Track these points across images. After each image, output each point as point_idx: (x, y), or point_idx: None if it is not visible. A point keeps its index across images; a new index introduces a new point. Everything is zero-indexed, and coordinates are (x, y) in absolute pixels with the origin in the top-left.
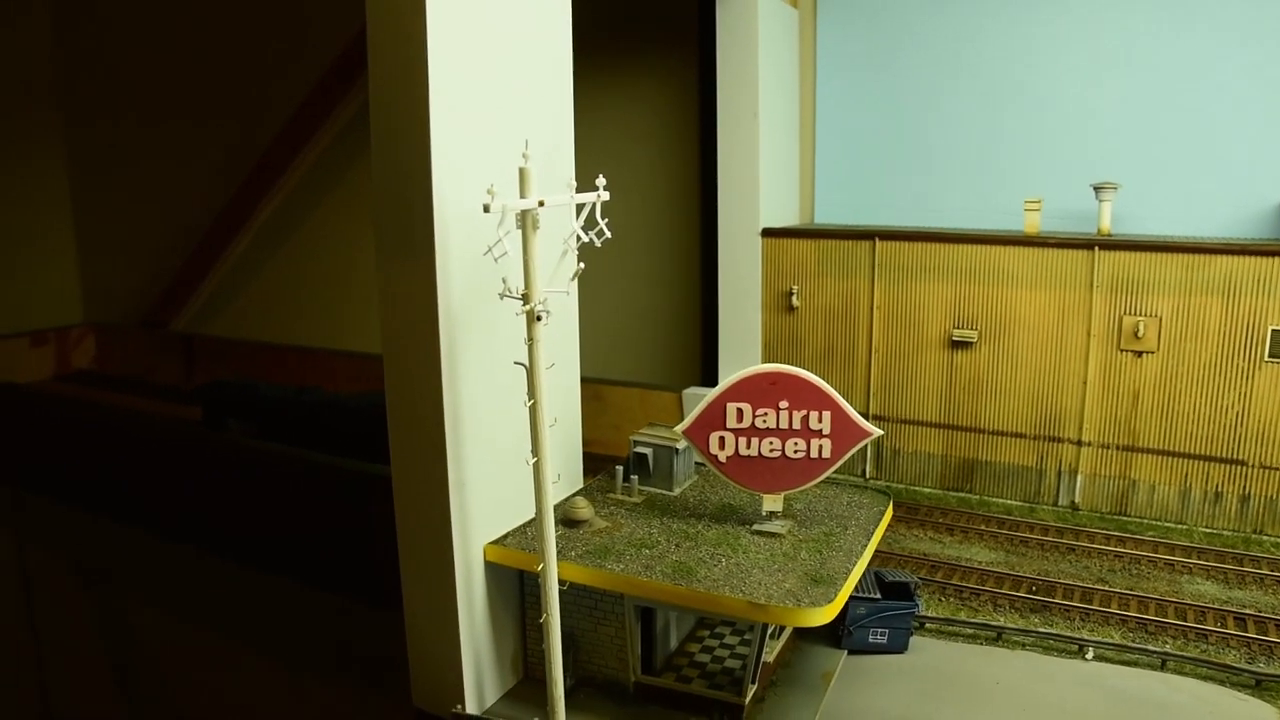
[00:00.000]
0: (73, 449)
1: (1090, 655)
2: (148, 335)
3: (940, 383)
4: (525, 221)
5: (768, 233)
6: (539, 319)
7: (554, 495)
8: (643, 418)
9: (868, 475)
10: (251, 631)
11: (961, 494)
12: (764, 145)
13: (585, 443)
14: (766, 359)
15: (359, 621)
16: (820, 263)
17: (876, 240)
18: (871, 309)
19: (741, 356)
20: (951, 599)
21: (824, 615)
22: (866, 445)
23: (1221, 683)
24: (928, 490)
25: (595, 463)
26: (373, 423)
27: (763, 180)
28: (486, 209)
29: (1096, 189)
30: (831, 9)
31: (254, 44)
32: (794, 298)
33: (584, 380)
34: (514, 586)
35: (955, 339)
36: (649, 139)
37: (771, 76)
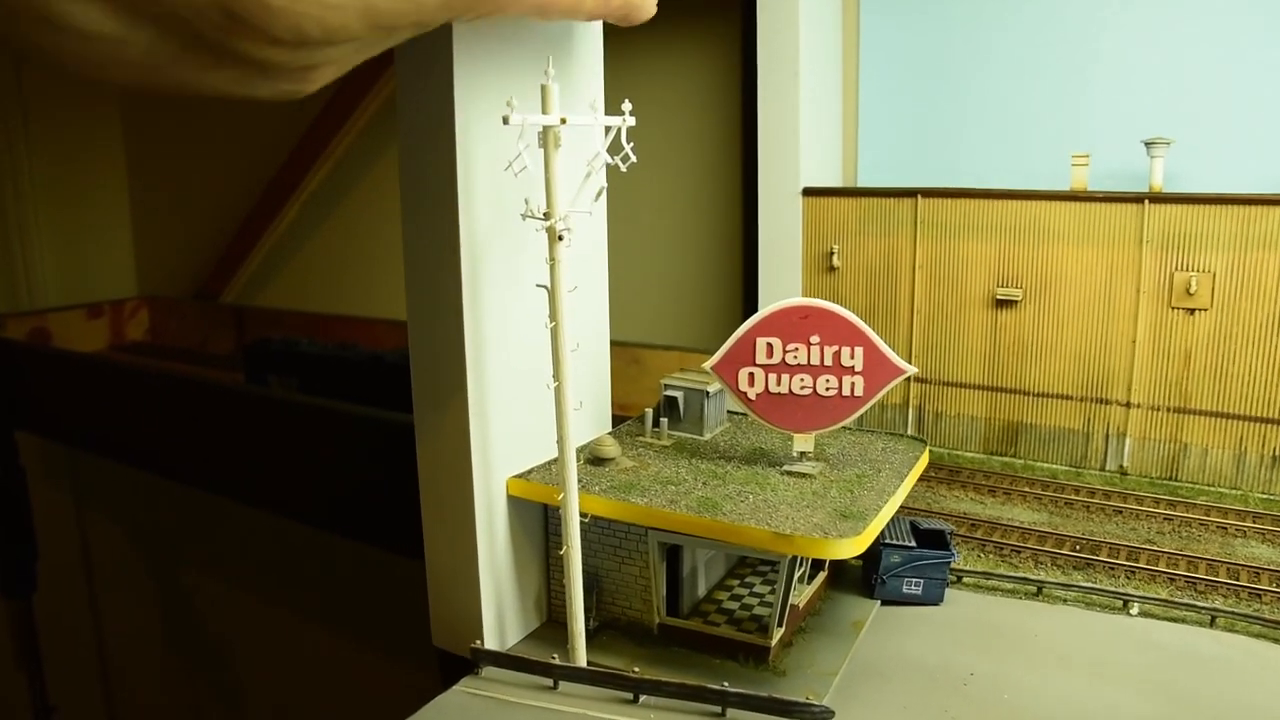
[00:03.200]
0: (124, 411)
1: (1135, 610)
2: (199, 307)
3: (984, 343)
4: (547, 138)
5: (808, 192)
6: (560, 238)
7: (577, 432)
8: None
9: (912, 434)
10: (293, 583)
11: (1005, 458)
12: (804, 105)
13: (623, 407)
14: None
15: (399, 572)
16: (861, 221)
17: (919, 198)
18: (914, 268)
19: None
20: (991, 555)
21: (853, 546)
22: (909, 409)
23: (1276, 640)
24: (970, 454)
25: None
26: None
27: (803, 139)
28: (506, 121)
29: (1148, 145)
30: None
31: None
32: (834, 257)
33: (623, 345)
34: (539, 524)
35: (999, 298)
36: (689, 101)
37: (813, 35)
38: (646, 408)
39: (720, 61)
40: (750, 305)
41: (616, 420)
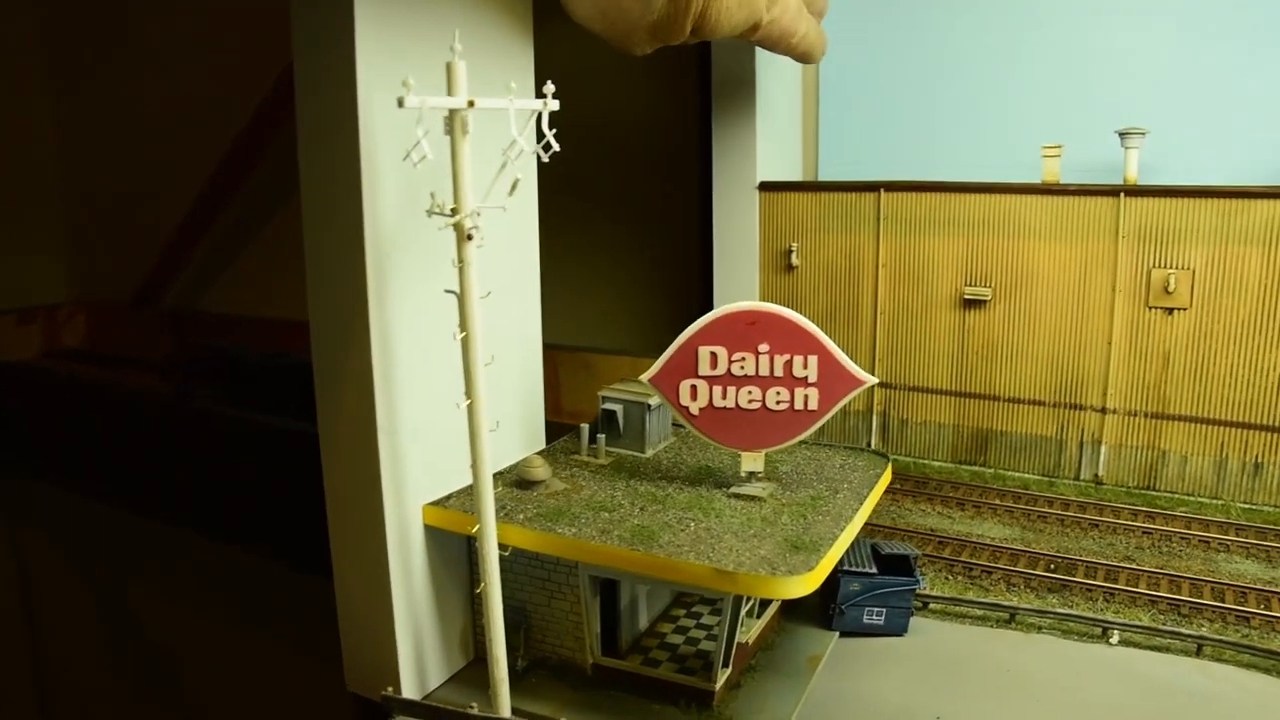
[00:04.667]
0: (50, 423)
1: (1115, 639)
2: (138, 312)
3: (952, 346)
4: (454, 124)
5: (765, 186)
6: (470, 237)
7: (503, 453)
8: None
9: (873, 447)
10: (223, 605)
11: (975, 467)
12: (761, 96)
13: (573, 415)
14: None
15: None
16: (821, 218)
17: (882, 191)
18: (877, 266)
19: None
20: (960, 577)
21: (802, 585)
22: (873, 416)
23: (1267, 671)
24: (938, 464)
25: None
26: None
27: (760, 132)
28: (401, 103)
29: (1122, 135)
30: None
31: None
32: (793, 256)
33: (573, 349)
34: (461, 554)
35: (968, 297)
36: (642, 91)
37: None
38: (583, 423)
39: (676, 50)
40: (707, 306)
41: (559, 431)
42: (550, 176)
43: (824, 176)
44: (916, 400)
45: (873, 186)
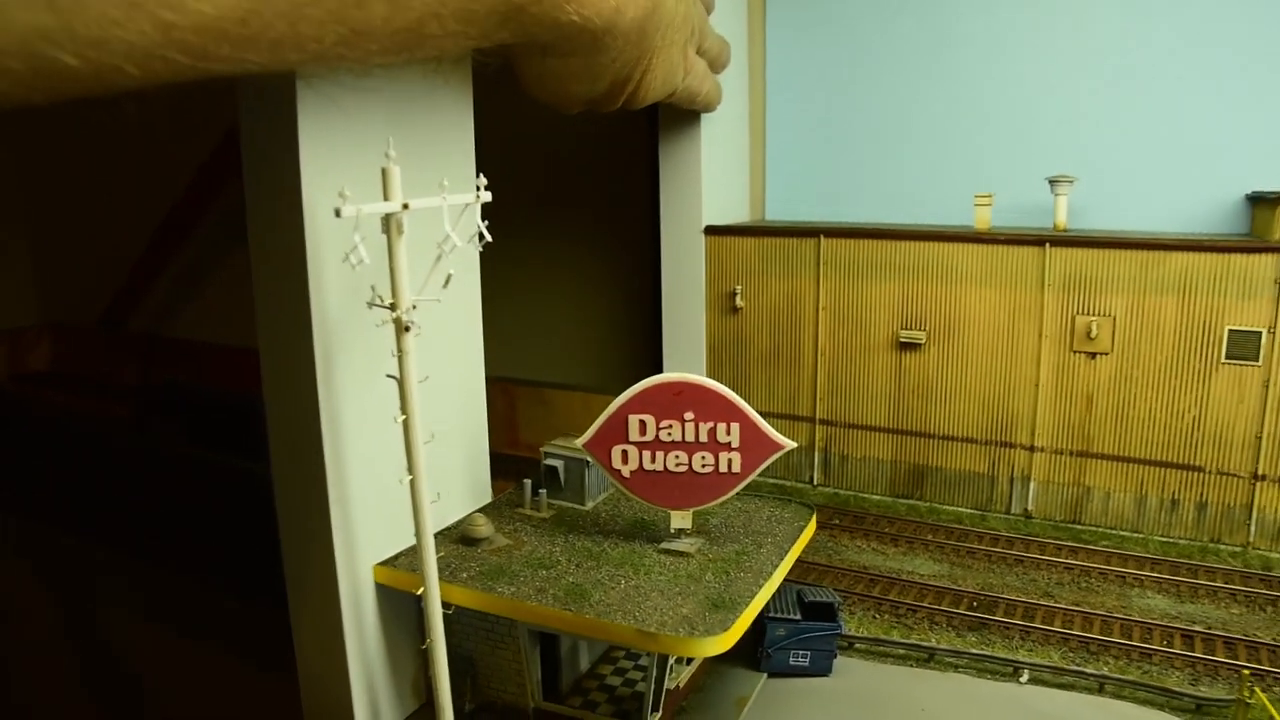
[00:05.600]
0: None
1: (1025, 678)
2: (105, 335)
3: (889, 386)
4: (390, 226)
5: (710, 230)
6: (407, 329)
7: (451, 509)
8: (586, 421)
9: (815, 482)
10: (188, 633)
11: (911, 501)
12: (707, 142)
13: (530, 447)
14: (711, 361)
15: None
16: (764, 261)
17: (821, 238)
18: (817, 309)
19: (686, 358)
20: (887, 615)
21: (718, 645)
22: (815, 452)
23: (1161, 707)
24: (876, 497)
25: (536, 468)
26: None
27: (706, 177)
28: (338, 213)
29: (1051, 182)
30: (781, 4)
31: None
32: (738, 298)
33: (527, 384)
34: (410, 607)
35: (903, 340)
36: (594, 139)
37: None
38: (525, 479)
39: None
40: (656, 345)
41: (515, 464)
42: (507, 218)
43: (770, 217)
44: (856, 437)
45: (813, 232)
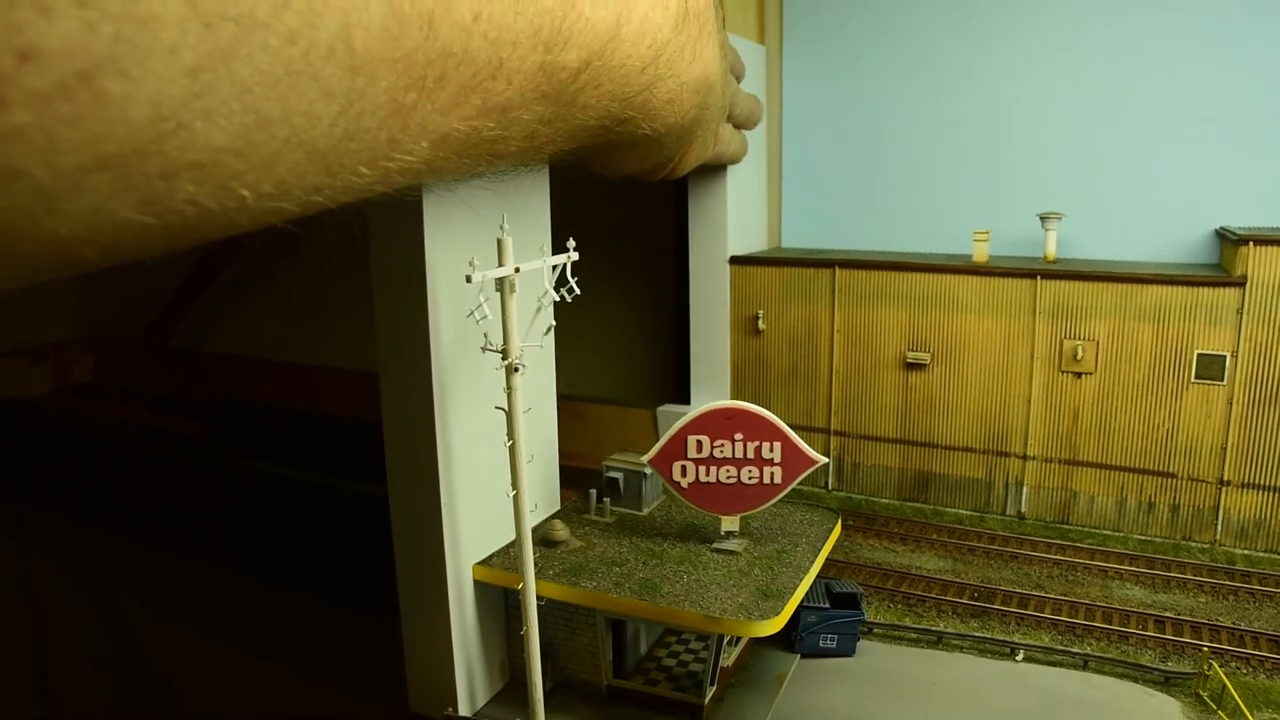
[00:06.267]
0: (72, 463)
1: (1020, 657)
2: (146, 350)
3: (896, 401)
4: (503, 286)
5: (735, 260)
6: (516, 370)
7: (532, 520)
8: (620, 433)
9: (830, 487)
10: (255, 642)
11: (917, 504)
12: (731, 176)
13: (567, 456)
14: (735, 379)
15: (353, 630)
16: (784, 289)
17: (836, 268)
18: (832, 332)
19: (712, 377)
20: (900, 605)
21: (772, 627)
22: (830, 460)
23: (1135, 680)
24: (885, 501)
25: (577, 475)
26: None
27: (730, 211)
28: (469, 279)
29: (1042, 218)
30: (797, 46)
31: None
32: (760, 321)
33: (567, 398)
34: (500, 600)
35: (910, 361)
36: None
37: None
38: (591, 489)
39: None
40: (683, 364)
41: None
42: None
43: (786, 245)
44: (867, 447)
45: (829, 263)
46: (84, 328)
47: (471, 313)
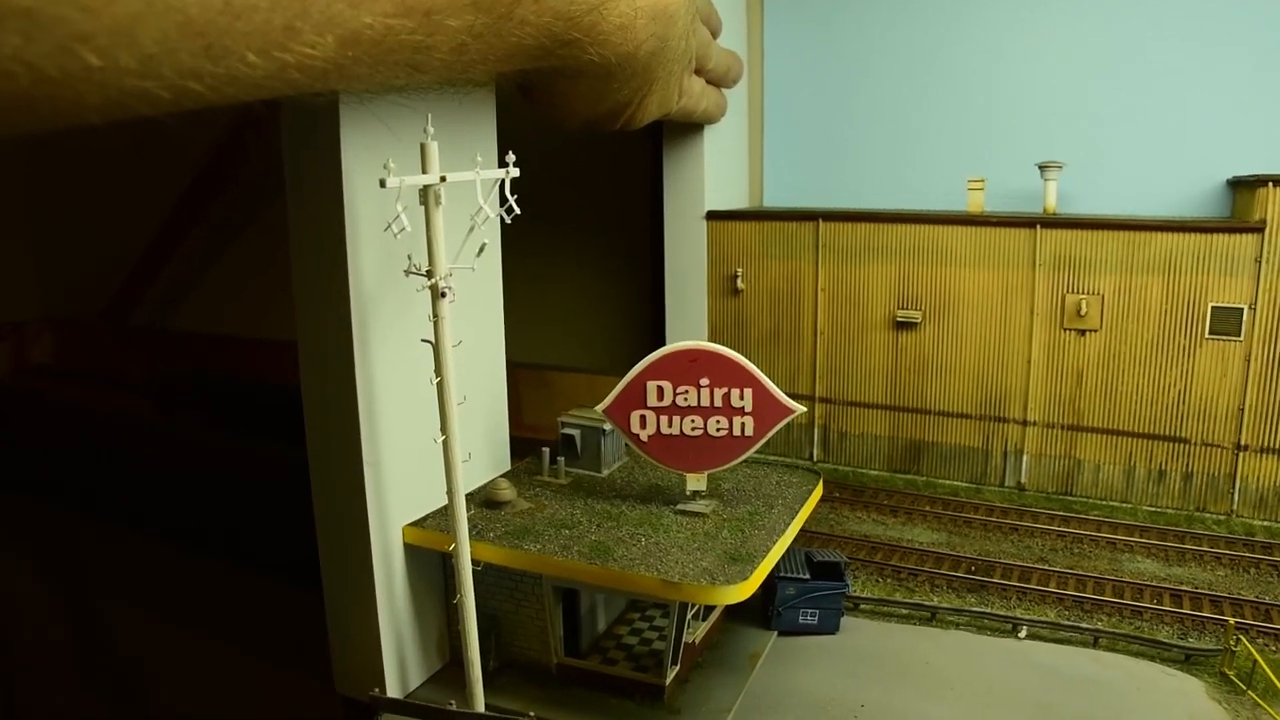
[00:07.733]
0: (25, 442)
1: (1023, 634)
2: (107, 329)
3: (886, 364)
4: (427, 197)
5: (712, 215)
6: (443, 295)
7: (473, 475)
8: (590, 403)
9: (815, 459)
10: (198, 616)
11: (908, 476)
12: (709, 133)
13: (532, 429)
14: (713, 341)
15: (299, 605)
16: (764, 245)
17: (820, 221)
18: (816, 291)
19: (689, 339)
20: (889, 579)
21: (738, 593)
22: (814, 429)
23: (1152, 658)
24: (875, 473)
25: (538, 449)
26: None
27: (707, 164)
28: (383, 184)
29: (1041, 168)
30: (777, 4)
31: None
32: (739, 281)
33: (532, 367)
34: (437, 569)
35: (900, 320)
36: (600, 147)
37: None
38: (544, 446)
39: None
40: (659, 327)
41: (518, 444)
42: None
43: (769, 202)
44: (854, 414)
45: (811, 216)
46: (45, 307)
47: (388, 225)
